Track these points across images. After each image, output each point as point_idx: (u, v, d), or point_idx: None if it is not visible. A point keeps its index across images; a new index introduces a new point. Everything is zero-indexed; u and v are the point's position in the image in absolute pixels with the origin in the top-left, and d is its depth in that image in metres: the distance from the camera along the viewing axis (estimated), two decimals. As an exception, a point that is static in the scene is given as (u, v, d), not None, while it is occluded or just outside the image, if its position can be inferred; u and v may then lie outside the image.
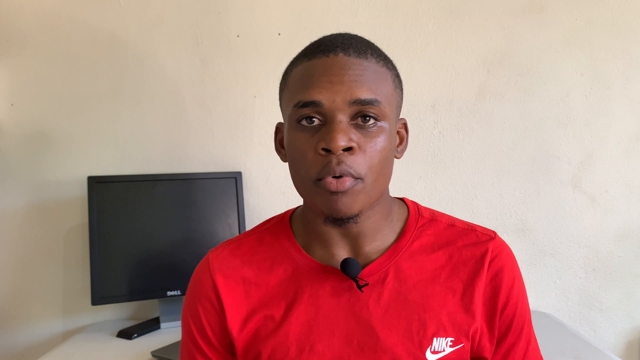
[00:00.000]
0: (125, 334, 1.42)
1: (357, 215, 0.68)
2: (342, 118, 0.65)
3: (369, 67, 0.67)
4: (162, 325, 1.49)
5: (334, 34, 0.72)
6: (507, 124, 1.60)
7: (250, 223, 1.57)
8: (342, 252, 0.74)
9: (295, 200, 0.77)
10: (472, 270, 0.73)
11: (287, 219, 0.81)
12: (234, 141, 1.62)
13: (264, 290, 0.74)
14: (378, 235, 0.74)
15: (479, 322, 0.71)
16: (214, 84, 1.61)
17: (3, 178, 1.57)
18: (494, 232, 0.77)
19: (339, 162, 0.64)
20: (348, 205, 0.66)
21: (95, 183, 1.45)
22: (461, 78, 1.60)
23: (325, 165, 0.65)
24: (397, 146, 0.75)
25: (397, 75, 0.73)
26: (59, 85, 1.58)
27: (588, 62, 1.58)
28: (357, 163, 0.65)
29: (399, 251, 0.74)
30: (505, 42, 1.59)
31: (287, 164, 0.74)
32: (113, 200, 1.46)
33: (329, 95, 0.65)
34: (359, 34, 0.73)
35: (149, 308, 1.61)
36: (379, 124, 0.67)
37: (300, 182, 0.70)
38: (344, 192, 0.65)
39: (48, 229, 1.58)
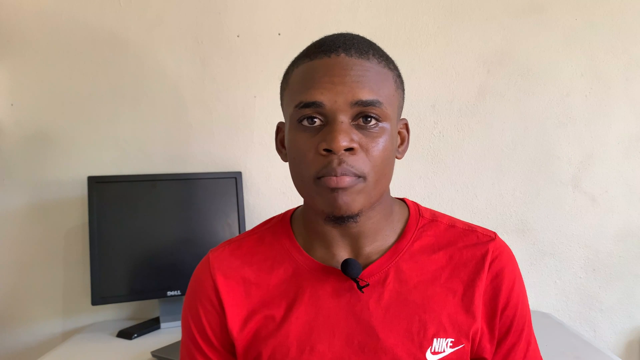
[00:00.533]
0: (125, 334, 1.42)
1: (357, 214, 0.68)
2: (344, 119, 0.65)
3: (370, 67, 0.67)
4: (162, 325, 1.48)
5: (336, 34, 0.72)
6: (507, 124, 1.60)
7: (250, 223, 1.57)
8: (342, 253, 0.74)
9: (295, 200, 0.77)
10: (473, 271, 0.73)
11: (288, 219, 0.81)
12: (234, 141, 1.62)
13: (265, 290, 0.74)
14: (379, 236, 0.75)
15: (480, 323, 0.71)
16: (214, 84, 1.61)
17: (3, 178, 1.57)
18: (494, 233, 0.77)
19: (340, 162, 0.64)
20: (348, 202, 0.66)
21: (95, 183, 1.45)
22: (461, 78, 1.60)
23: (327, 165, 0.65)
24: (398, 146, 0.75)
25: (399, 76, 0.73)
26: (59, 85, 1.58)
27: (588, 62, 1.58)
28: (359, 163, 0.65)
29: (400, 252, 0.74)
30: (505, 42, 1.59)
31: (287, 163, 0.75)
32: (113, 200, 1.46)
33: (330, 96, 0.65)
34: (359, 34, 0.73)
35: (149, 308, 1.61)
36: (380, 124, 0.67)
37: (300, 181, 0.70)
38: (344, 189, 0.65)
39: (48, 229, 1.58)
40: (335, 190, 0.65)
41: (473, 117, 1.60)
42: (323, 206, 0.68)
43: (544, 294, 1.61)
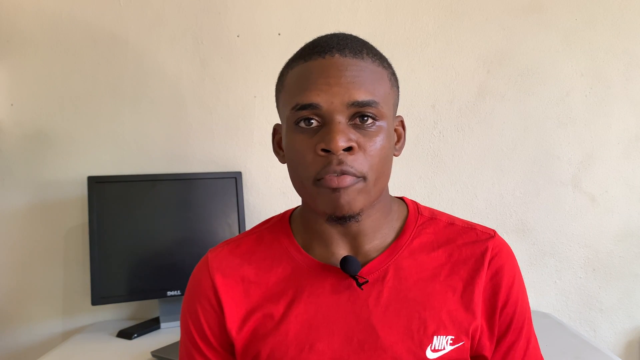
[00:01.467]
0: (125, 334, 1.42)
1: (358, 213, 0.69)
2: (341, 119, 0.65)
3: (365, 67, 0.68)
4: (162, 325, 1.48)
5: (329, 35, 0.72)
6: (507, 124, 1.60)
7: (250, 223, 1.57)
8: (341, 251, 0.74)
9: (295, 200, 0.77)
10: (472, 268, 0.73)
11: (287, 218, 0.81)
12: (234, 141, 1.62)
13: (264, 289, 0.74)
14: (378, 234, 0.75)
15: (479, 320, 0.71)
16: (214, 84, 1.61)
17: (3, 178, 1.57)
18: (493, 230, 0.77)
19: (340, 162, 0.65)
20: (349, 202, 0.66)
21: (95, 183, 1.45)
22: (461, 78, 1.60)
23: (326, 166, 0.65)
24: (395, 144, 0.76)
25: (393, 74, 0.73)
26: (59, 85, 1.58)
27: (588, 62, 1.58)
28: (358, 162, 0.66)
29: (399, 249, 0.74)
30: (505, 42, 1.59)
31: (286, 164, 0.75)
32: (113, 200, 1.46)
33: (327, 98, 0.65)
34: (359, 34, 0.73)
35: (149, 308, 1.61)
36: (377, 123, 0.67)
37: (300, 183, 0.70)
38: (345, 189, 0.65)
39: (48, 229, 1.58)
40: (336, 190, 0.65)
41: (473, 117, 1.60)
42: (324, 207, 0.68)
43: (544, 294, 1.61)
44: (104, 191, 1.45)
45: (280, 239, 0.78)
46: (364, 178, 0.66)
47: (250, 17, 1.60)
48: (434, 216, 0.79)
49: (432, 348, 0.69)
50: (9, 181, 1.57)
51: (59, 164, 1.58)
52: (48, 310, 1.58)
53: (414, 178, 1.62)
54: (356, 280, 0.70)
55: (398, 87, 0.75)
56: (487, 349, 0.73)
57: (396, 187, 1.56)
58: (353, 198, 0.66)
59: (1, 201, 1.57)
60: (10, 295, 1.58)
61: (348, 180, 0.65)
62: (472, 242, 0.75)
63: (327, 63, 0.67)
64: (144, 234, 1.47)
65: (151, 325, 1.48)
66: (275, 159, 0.79)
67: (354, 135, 0.66)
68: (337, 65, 0.66)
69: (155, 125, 1.60)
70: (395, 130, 0.75)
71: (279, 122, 0.78)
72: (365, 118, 0.66)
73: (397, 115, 0.76)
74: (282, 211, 0.83)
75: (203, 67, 1.60)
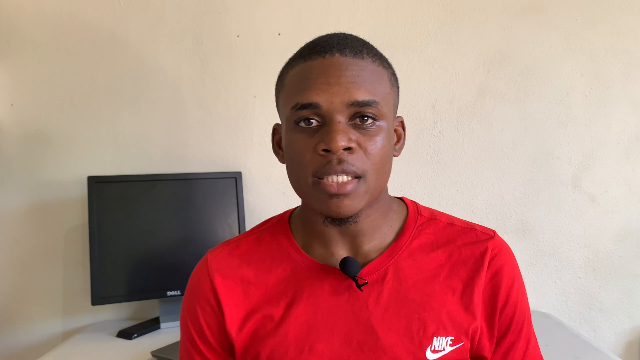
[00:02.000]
0: (125, 334, 1.42)
1: (356, 214, 0.69)
2: (341, 119, 0.65)
3: (365, 67, 0.68)
4: (162, 325, 1.48)
5: (329, 34, 0.72)
6: (507, 124, 1.60)
7: (250, 223, 1.57)
8: (341, 251, 0.74)
9: (295, 200, 0.77)
10: (472, 269, 0.73)
11: (286, 219, 0.81)
12: (234, 141, 1.62)
13: (263, 290, 0.74)
14: (377, 234, 0.75)
15: (479, 320, 0.71)
16: (214, 84, 1.61)
17: (3, 178, 1.57)
18: (493, 231, 0.77)
19: (340, 161, 0.65)
20: (349, 207, 0.67)
21: (95, 183, 1.45)
22: (461, 78, 1.60)
23: (325, 165, 0.65)
24: (395, 144, 0.75)
25: (393, 74, 0.73)
26: (59, 85, 1.58)
27: (588, 62, 1.58)
28: (358, 161, 0.66)
29: (398, 250, 0.74)
30: (505, 42, 1.59)
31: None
32: (113, 200, 1.46)
33: (326, 97, 0.65)
34: (359, 34, 0.73)
35: (149, 308, 1.61)
36: (377, 123, 0.67)
37: (298, 183, 0.70)
38: (345, 195, 0.66)
39: (48, 229, 1.58)
40: (335, 195, 0.66)
41: (473, 117, 1.60)
42: (322, 209, 0.68)
43: (544, 294, 1.61)
44: (104, 191, 1.45)
45: (279, 240, 0.78)
46: (364, 178, 0.66)
47: (250, 17, 1.60)
48: (433, 216, 0.78)
49: (432, 349, 0.69)
50: (9, 181, 1.57)
51: (59, 164, 1.58)
52: (48, 310, 1.58)
53: (414, 178, 1.62)
54: (356, 281, 0.70)
55: (398, 88, 0.75)
56: (487, 349, 0.73)
57: (396, 187, 1.56)
58: (353, 202, 0.67)
59: (1, 201, 1.57)
60: (10, 295, 1.58)
61: (349, 187, 0.65)
62: (471, 243, 0.75)
63: (327, 63, 0.67)
64: (144, 234, 1.47)
65: (151, 325, 1.48)
66: (275, 159, 0.79)
67: (354, 135, 0.66)
68: (337, 64, 0.66)
69: (155, 126, 1.60)
70: (395, 130, 0.75)
71: (279, 122, 0.78)
72: (365, 118, 0.66)
73: (397, 115, 0.76)
74: (282, 211, 0.83)
75: (203, 67, 1.60)
